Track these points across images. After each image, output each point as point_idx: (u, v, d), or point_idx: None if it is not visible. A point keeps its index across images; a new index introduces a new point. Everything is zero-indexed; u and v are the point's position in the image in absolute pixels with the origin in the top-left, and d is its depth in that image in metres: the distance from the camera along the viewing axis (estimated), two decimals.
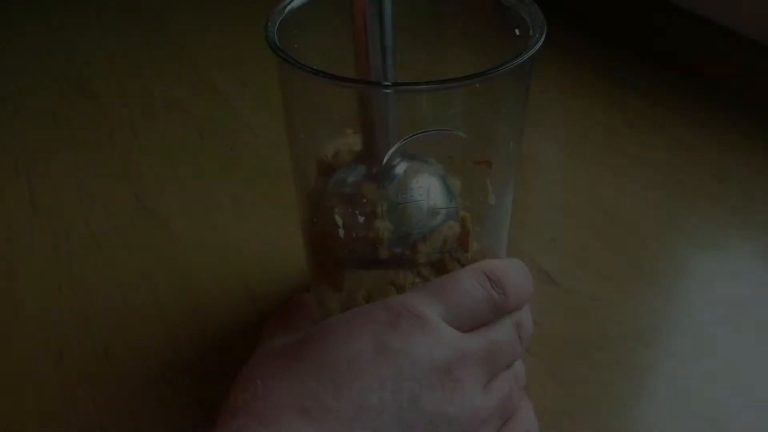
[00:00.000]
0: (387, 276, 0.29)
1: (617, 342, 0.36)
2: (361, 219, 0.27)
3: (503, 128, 0.29)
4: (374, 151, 0.27)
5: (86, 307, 0.39)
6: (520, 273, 0.29)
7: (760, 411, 0.33)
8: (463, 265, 0.29)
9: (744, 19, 0.55)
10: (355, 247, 0.28)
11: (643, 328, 0.37)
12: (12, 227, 0.45)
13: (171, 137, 0.53)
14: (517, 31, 0.28)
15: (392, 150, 0.27)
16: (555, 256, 0.41)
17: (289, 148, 0.30)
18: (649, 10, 0.62)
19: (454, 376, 0.24)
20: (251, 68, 0.61)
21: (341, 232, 0.28)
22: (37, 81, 0.61)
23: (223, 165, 0.50)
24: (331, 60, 0.26)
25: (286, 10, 0.28)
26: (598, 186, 0.47)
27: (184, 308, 0.39)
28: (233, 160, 0.51)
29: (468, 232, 0.29)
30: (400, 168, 0.28)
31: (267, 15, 0.27)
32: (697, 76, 0.57)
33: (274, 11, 0.28)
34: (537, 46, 0.25)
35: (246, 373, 0.26)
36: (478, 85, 0.25)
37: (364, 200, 0.27)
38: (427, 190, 0.28)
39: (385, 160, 0.27)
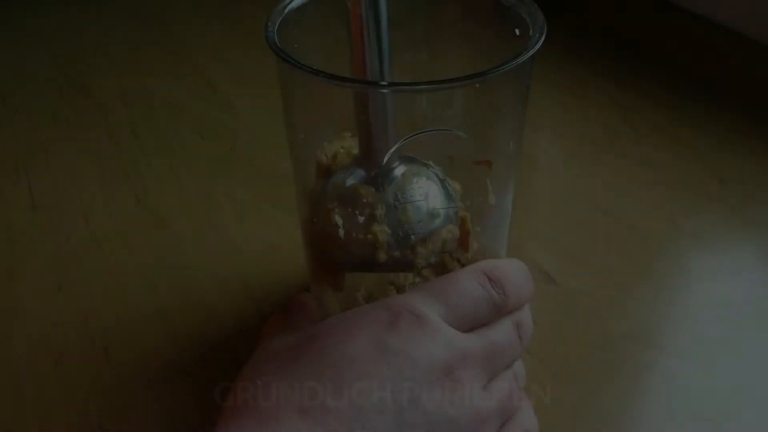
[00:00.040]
0: (387, 276, 0.29)
1: (617, 342, 0.36)
2: (361, 219, 0.27)
3: (503, 128, 0.29)
4: (373, 154, 0.27)
5: (86, 307, 0.39)
6: (520, 273, 0.29)
7: (760, 411, 0.33)
8: (463, 265, 0.29)
9: (744, 19, 0.55)
10: (354, 249, 0.28)
11: (643, 328, 0.37)
12: (12, 227, 0.45)
13: (171, 137, 0.53)
14: (517, 31, 0.28)
15: (392, 150, 0.27)
16: (555, 256, 0.41)
17: (289, 148, 0.30)
18: (649, 10, 0.62)
19: (454, 376, 0.24)
20: (251, 68, 0.61)
21: (341, 232, 0.28)
22: (37, 81, 0.61)
23: (223, 165, 0.50)
24: (331, 60, 0.26)
25: (286, 10, 0.28)
26: (598, 186, 0.47)
27: (184, 308, 0.39)
28: (233, 160, 0.51)
29: (468, 232, 0.29)
30: (399, 171, 0.28)
31: (267, 15, 0.28)
32: (697, 75, 0.57)
33: (274, 11, 0.28)
34: (537, 46, 0.25)
35: (246, 373, 0.26)
36: (478, 85, 0.25)
37: (363, 202, 0.27)
38: (426, 193, 0.28)
39: (385, 161, 0.27)
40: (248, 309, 0.38)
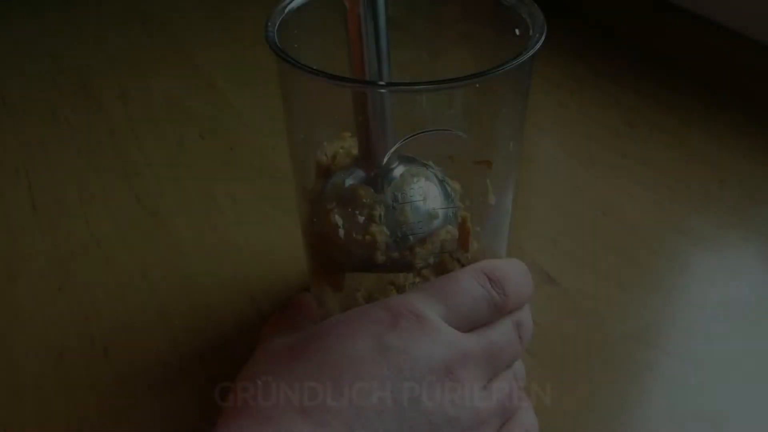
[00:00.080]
0: (387, 276, 0.29)
1: (617, 342, 0.36)
2: (361, 219, 0.27)
3: (503, 128, 0.29)
4: (372, 155, 0.27)
5: (86, 307, 0.39)
6: (520, 273, 0.29)
7: (760, 411, 0.33)
8: (463, 265, 0.29)
9: (744, 19, 0.55)
10: (353, 250, 0.28)
11: (643, 328, 0.37)
12: (12, 227, 0.45)
13: (171, 137, 0.53)
14: (517, 31, 0.28)
15: (391, 150, 0.27)
16: (555, 256, 0.41)
17: (289, 148, 0.30)
18: (649, 10, 0.62)
19: (454, 376, 0.24)
20: (251, 68, 0.61)
21: (341, 232, 0.28)
22: (38, 81, 0.61)
23: (223, 165, 0.50)
24: (331, 60, 0.26)
25: (286, 10, 0.28)
26: (598, 186, 0.47)
27: (184, 308, 0.39)
28: (233, 160, 0.51)
29: (468, 232, 0.29)
30: (398, 171, 0.28)
31: (267, 15, 0.28)
32: (698, 76, 0.57)
33: (274, 11, 0.28)
34: (537, 46, 0.25)
35: (246, 373, 0.26)
36: (478, 85, 0.25)
37: (362, 203, 0.27)
38: (425, 193, 0.28)
39: (384, 161, 0.27)
40: (248, 309, 0.38)
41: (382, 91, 0.26)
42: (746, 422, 0.32)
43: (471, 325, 0.26)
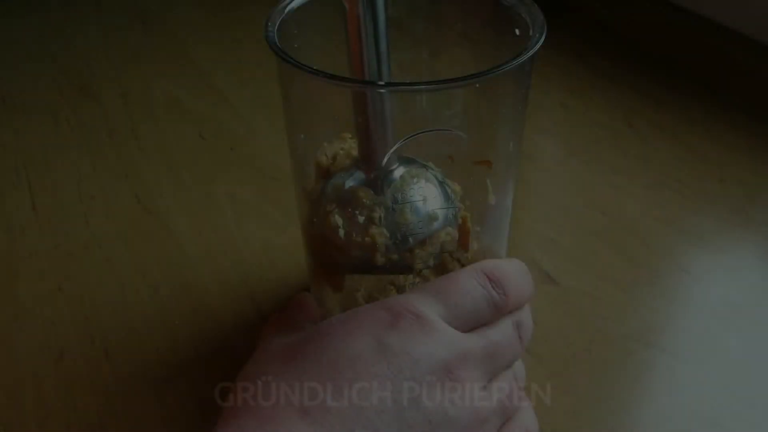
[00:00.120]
0: (387, 276, 0.29)
1: (617, 342, 0.36)
2: (361, 220, 0.27)
3: (503, 128, 0.29)
4: (372, 155, 0.27)
5: (86, 307, 0.39)
6: (520, 273, 0.29)
7: (760, 411, 0.33)
8: (463, 265, 0.29)
9: (744, 19, 0.55)
10: (353, 252, 0.28)
11: (643, 328, 0.37)
12: (12, 227, 0.45)
13: (171, 137, 0.53)
14: (517, 31, 0.28)
15: (391, 151, 0.27)
16: (555, 256, 0.41)
17: (289, 148, 0.30)
18: (649, 10, 0.62)
19: (454, 376, 0.24)
20: (251, 68, 0.61)
21: (341, 233, 0.28)
22: (38, 81, 0.61)
23: (223, 165, 0.50)
24: (331, 60, 0.26)
25: (286, 10, 0.28)
26: (598, 186, 0.47)
27: (184, 308, 0.39)
28: (233, 160, 0.51)
29: (468, 232, 0.29)
30: (398, 172, 0.28)
31: (267, 15, 0.27)
32: (698, 76, 0.57)
33: (274, 11, 0.28)
34: (537, 46, 0.25)
35: (246, 373, 0.26)
36: (478, 85, 0.25)
37: (362, 204, 0.27)
38: (425, 194, 0.28)
39: (384, 162, 0.27)
40: (248, 309, 0.38)
41: (382, 91, 0.26)
42: (746, 422, 0.32)
43: (471, 325, 0.26)
